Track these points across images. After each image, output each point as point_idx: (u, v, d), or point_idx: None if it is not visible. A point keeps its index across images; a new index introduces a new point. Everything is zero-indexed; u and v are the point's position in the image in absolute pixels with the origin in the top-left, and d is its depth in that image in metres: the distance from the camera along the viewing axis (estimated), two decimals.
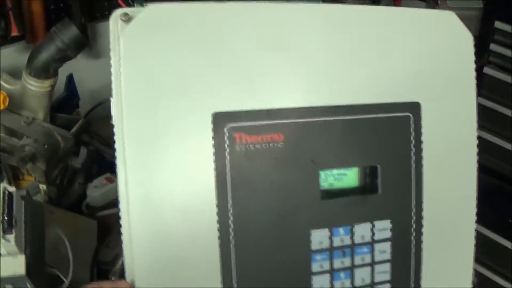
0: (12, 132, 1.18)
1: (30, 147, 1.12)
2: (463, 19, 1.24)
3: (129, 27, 0.68)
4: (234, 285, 0.72)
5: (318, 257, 0.76)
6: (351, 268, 0.78)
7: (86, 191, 1.22)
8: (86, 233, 1.08)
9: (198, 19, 0.71)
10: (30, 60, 1.15)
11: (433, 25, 0.82)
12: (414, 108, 0.80)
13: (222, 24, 0.72)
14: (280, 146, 0.73)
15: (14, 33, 1.43)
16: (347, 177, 0.79)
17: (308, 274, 0.76)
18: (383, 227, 0.79)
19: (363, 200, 0.79)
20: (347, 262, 0.78)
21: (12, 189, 0.83)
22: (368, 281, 0.79)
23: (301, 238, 0.75)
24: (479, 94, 1.34)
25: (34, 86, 1.16)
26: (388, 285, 0.80)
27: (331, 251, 0.76)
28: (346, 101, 0.76)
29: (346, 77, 0.77)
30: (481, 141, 1.23)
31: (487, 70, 1.34)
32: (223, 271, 0.71)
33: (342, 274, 0.77)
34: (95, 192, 1.20)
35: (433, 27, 0.82)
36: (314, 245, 0.75)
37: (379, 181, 0.78)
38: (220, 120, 0.70)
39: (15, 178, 1.22)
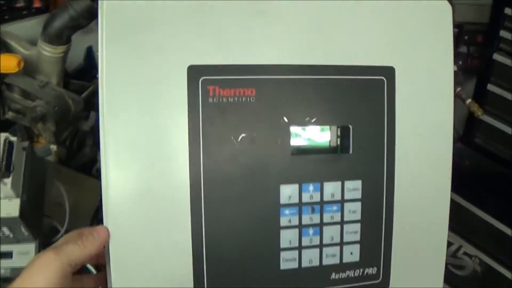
0: (26, 95, 1.22)
1: (41, 108, 1.16)
2: (475, 6, 1.26)
3: None
4: (203, 234, 0.74)
5: (287, 211, 0.77)
6: (320, 225, 0.79)
7: (97, 156, 1.27)
8: (90, 193, 1.13)
9: None
10: (45, 27, 1.19)
11: None
12: (388, 72, 0.81)
13: None
14: (252, 101, 0.75)
15: (36, 4, 1.49)
16: (319, 135, 0.80)
17: (276, 228, 0.77)
18: (354, 187, 0.80)
19: (334, 159, 0.80)
20: (316, 218, 0.79)
21: (13, 138, 0.88)
22: (337, 239, 0.80)
23: (271, 192, 0.77)
24: (489, 81, 1.35)
25: (48, 52, 1.21)
26: (357, 245, 0.82)
27: (300, 206, 0.78)
28: (320, 62, 0.78)
29: (321, 39, 0.78)
30: (491, 128, 1.24)
31: (496, 56, 1.34)
32: (192, 221, 0.73)
33: (310, 230, 0.79)
34: None
35: None
36: (283, 199, 0.77)
37: (350, 141, 0.80)
38: (194, 72, 0.72)
39: (30, 140, 1.27)
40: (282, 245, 0.78)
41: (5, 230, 0.88)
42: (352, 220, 0.81)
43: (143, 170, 0.72)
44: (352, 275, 0.82)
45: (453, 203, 1.29)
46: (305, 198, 0.78)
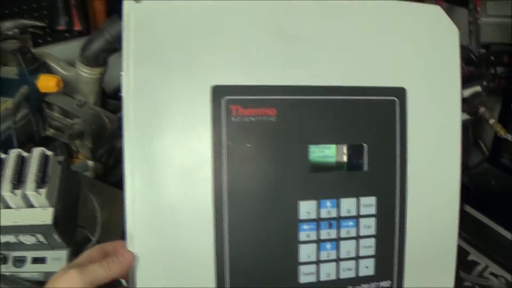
0: (65, 113, 1.28)
1: (79, 126, 1.23)
2: (502, 26, 1.28)
3: (141, 3, 0.74)
4: (226, 249, 0.76)
5: (305, 226, 0.79)
6: (337, 240, 0.81)
7: None
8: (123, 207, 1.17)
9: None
10: (83, 50, 1.26)
11: (420, 17, 0.86)
12: (400, 92, 0.83)
13: (225, 5, 0.77)
14: (272, 120, 0.77)
15: (77, 27, 1.57)
16: (336, 153, 0.83)
17: (295, 243, 0.79)
18: (369, 203, 0.82)
19: (349, 176, 0.82)
20: (333, 233, 0.81)
21: (49, 153, 0.93)
22: (353, 254, 0.82)
23: (290, 208, 0.79)
24: None
25: (86, 73, 1.28)
26: (372, 259, 0.84)
27: (318, 222, 0.80)
28: (337, 83, 0.81)
29: (338, 61, 0.81)
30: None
31: None
32: (216, 235, 0.76)
33: (328, 245, 0.81)
34: None
35: (420, 19, 0.86)
36: (302, 215, 0.79)
37: (365, 159, 0.82)
38: (218, 92, 0.75)
39: (69, 156, 1.34)
40: (301, 259, 0.80)
41: (40, 237, 0.92)
42: (367, 235, 0.83)
43: (168, 186, 0.74)
44: None
45: (479, 223, 1.32)
46: (323, 213, 0.81)
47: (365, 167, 0.82)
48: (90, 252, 0.76)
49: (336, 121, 0.81)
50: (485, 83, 1.36)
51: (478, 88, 1.34)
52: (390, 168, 0.83)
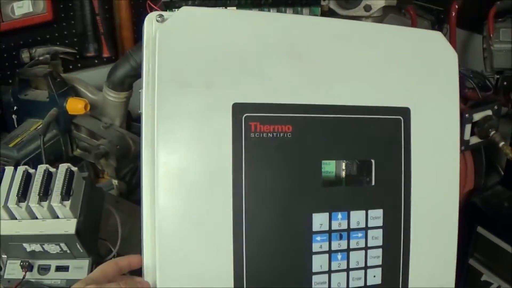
0: (92, 134, 1.31)
1: (105, 146, 1.26)
2: None
3: (165, 24, 0.77)
4: (244, 255, 0.79)
5: (318, 238, 0.82)
6: (347, 251, 0.84)
7: None
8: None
9: (225, 22, 0.80)
10: (109, 75, 1.29)
11: (423, 42, 0.91)
12: (405, 112, 0.88)
13: (245, 28, 0.80)
14: (288, 136, 0.80)
15: (106, 54, 1.61)
16: (346, 168, 0.86)
17: (309, 253, 0.82)
18: (376, 215, 0.86)
19: (359, 190, 0.86)
20: (343, 244, 0.84)
21: (74, 169, 0.97)
22: (362, 264, 0.85)
23: (304, 220, 0.82)
24: None
25: (112, 97, 1.31)
26: (379, 269, 0.86)
27: (329, 233, 0.83)
28: (347, 102, 0.84)
29: (348, 82, 0.85)
30: None
31: None
32: (234, 243, 0.78)
33: (339, 255, 0.83)
34: None
35: (422, 44, 0.91)
36: (315, 227, 0.82)
37: (373, 174, 0.85)
38: (238, 109, 0.78)
39: (96, 176, 1.37)
40: (314, 269, 0.83)
41: (63, 246, 0.95)
42: (374, 245, 0.86)
43: (190, 198, 0.77)
44: None
45: (492, 244, 1.32)
46: (334, 225, 0.83)
47: (373, 181, 0.85)
48: (104, 266, 0.78)
49: (347, 138, 0.84)
50: (496, 107, 1.37)
51: (489, 112, 1.35)
52: (395, 182, 0.87)
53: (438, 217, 0.91)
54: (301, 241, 0.82)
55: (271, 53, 0.81)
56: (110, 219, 1.10)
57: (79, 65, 1.58)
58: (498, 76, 1.46)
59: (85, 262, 0.99)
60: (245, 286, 0.79)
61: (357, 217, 0.85)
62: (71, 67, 1.56)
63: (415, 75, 0.89)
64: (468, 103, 1.39)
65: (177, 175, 0.76)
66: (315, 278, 0.83)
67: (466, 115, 1.31)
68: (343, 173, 0.88)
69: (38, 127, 1.27)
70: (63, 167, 0.99)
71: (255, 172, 0.79)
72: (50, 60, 1.40)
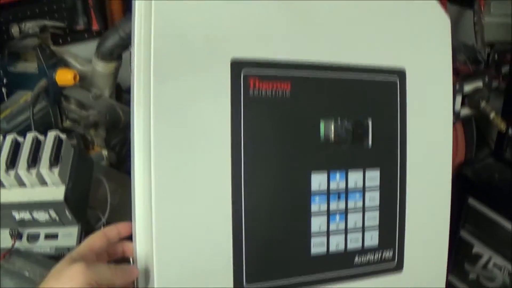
0: (81, 105, 1.28)
1: (94, 117, 1.24)
2: (505, 25, 1.26)
3: None
4: (243, 216, 0.74)
5: (317, 198, 0.78)
6: (345, 212, 0.81)
7: None
8: None
9: None
10: (98, 46, 1.25)
11: (419, 7, 0.87)
12: (401, 73, 0.84)
13: None
14: (287, 95, 0.76)
15: (95, 27, 1.56)
16: (344, 127, 0.81)
17: (307, 215, 0.78)
18: (373, 176, 0.82)
19: (356, 150, 0.82)
20: (342, 205, 0.80)
21: (63, 136, 0.93)
22: (359, 225, 0.82)
23: (303, 179, 0.78)
24: None
25: (101, 68, 1.27)
26: (377, 230, 0.83)
27: (328, 194, 0.79)
28: (346, 61, 0.80)
29: (347, 40, 0.81)
30: None
31: None
32: (233, 204, 0.74)
33: (337, 217, 0.80)
34: None
35: (418, 9, 0.87)
36: (314, 186, 0.78)
37: (370, 134, 0.82)
38: (237, 66, 0.73)
39: (86, 148, 1.32)
40: (313, 231, 0.79)
41: (52, 213, 0.92)
42: (372, 206, 0.83)
43: (187, 159, 0.72)
44: (372, 258, 0.84)
45: (483, 216, 1.29)
46: (333, 186, 0.80)
47: (370, 141, 0.82)
48: (92, 239, 0.74)
49: (345, 98, 0.81)
50: (487, 79, 1.35)
51: (479, 83, 1.33)
52: (392, 143, 0.84)
53: (432, 181, 0.89)
54: (300, 202, 0.78)
55: (271, 8, 0.76)
56: (100, 188, 1.08)
57: (68, 39, 1.54)
58: (489, 50, 1.43)
59: (74, 230, 0.96)
60: (243, 247, 0.75)
61: (355, 178, 0.81)
62: (61, 41, 1.52)
63: (411, 38, 0.86)
64: (459, 76, 1.36)
65: (173, 136, 0.71)
66: (313, 240, 0.79)
67: (457, 85, 1.29)
68: (341, 133, 0.82)
69: (28, 99, 1.23)
70: (52, 134, 0.97)
71: (254, 131, 0.75)
72: (40, 33, 1.36)
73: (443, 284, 0.92)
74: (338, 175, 0.80)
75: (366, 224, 0.83)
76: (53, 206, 0.92)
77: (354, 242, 0.82)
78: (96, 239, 0.74)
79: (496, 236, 1.33)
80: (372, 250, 0.83)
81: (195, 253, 0.73)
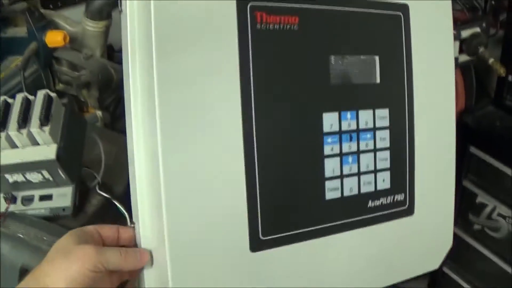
0: (73, 67, 1.22)
1: (86, 77, 1.19)
2: None
3: None
4: (255, 161, 0.68)
5: (329, 139, 0.73)
6: (357, 153, 0.76)
7: None
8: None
9: None
10: (87, 5, 1.20)
11: None
12: (404, 8, 0.79)
13: None
14: (295, 29, 0.70)
15: None
16: (353, 64, 0.76)
17: (321, 157, 0.73)
18: (383, 115, 0.78)
19: (365, 88, 0.77)
20: (354, 147, 0.75)
21: (53, 94, 0.90)
22: (371, 167, 0.77)
23: (314, 121, 0.72)
24: None
25: (91, 27, 1.21)
26: (388, 172, 0.79)
27: (340, 134, 0.74)
28: None
29: None
30: None
31: None
32: (245, 149, 0.67)
33: (350, 158, 0.75)
34: None
35: None
36: (326, 127, 0.73)
37: (377, 70, 0.77)
38: None
39: (80, 109, 1.28)
40: (327, 174, 0.74)
41: (45, 173, 0.88)
42: (382, 147, 0.78)
43: (194, 102, 0.65)
44: (385, 202, 0.79)
45: (485, 164, 1.25)
46: (344, 126, 0.75)
47: (378, 79, 0.77)
48: (103, 226, 0.70)
49: (351, 33, 0.76)
50: (484, 25, 1.30)
51: (477, 29, 1.29)
52: (399, 81, 0.79)
53: (438, 122, 0.85)
54: (312, 144, 0.72)
55: None
56: (94, 148, 1.02)
57: (58, 3, 1.48)
58: None
59: (68, 190, 0.91)
60: (257, 198, 0.69)
61: (365, 117, 0.76)
62: (51, 6, 1.45)
63: None
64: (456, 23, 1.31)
65: (179, 79, 0.64)
66: (328, 184, 0.73)
67: (454, 31, 1.23)
68: (350, 70, 0.77)
69: (19, 63, 1.17)
70: (41, 93, 0.91)
71: (263, 68, 0.68)
72: None
73: (451, 228, 0.90)
74: (349, 115, 0.75)
75: (378, 166, 0.78)
76: (46, 166, 0.87)
77: (367, 185, 0.77)
78: (107, 227, 0.70)
79: (500, 185, 1.29)
80: (384, 193, 0.79)
81: (209, 211, 0.66)
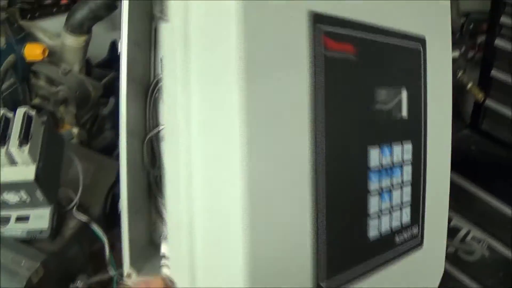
0: (51, 81, 1.21)
1: (63, 93, 1.18)
2: None
3: None
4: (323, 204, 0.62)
5: (373, 175, 0.70)
6: (391, 189, 0.73)
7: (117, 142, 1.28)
8: (107, 170, 1.10)
9: None
10: (68, 18, 1.20)
11: None
12: (422, 41, 0.79)
13: None
14: (353, 58, 0.66)
15: (64, 1, 1.51)
16: (390, 96, 0.75)
17: (365, 193, 0.69)
18: (408, 149, 0.76)
19: (397, 120, 0.75)
20: (388, 182, 0.73)
21: (32, 112, 0.88)
22: (399, 202, 0.75)
23: (362, 155, 0.68)
24: (493, 67, 1.32)
25: (71, 41, 1.21)
26: (409, 206, 0.77)
27: (380, 169, 0.71)
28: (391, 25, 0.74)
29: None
30: (496, 114, 1.21)
31: (498, 42, 1.30)
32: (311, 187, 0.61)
33: (386, 194, 0.72)
34: None
35: None
36: (371, 162, 0.69)
37: (405, 103, 0.76)
38: (315, 20, 0.62)
39: (55, 125, 1.27)
40: (371, 211, 0.70)
41: (23, 194, 0.87)
42: (407, 182, 0.76)
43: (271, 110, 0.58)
44: (406, 236, 0.77)
45: (460, 188, 1.28)
46: (384, 161, 0.72)
47: (405, 113, 0.76)
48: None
49: (392, 65, 0.75)
50: (463, 48, 1.31)
51: (456, 53, 1.30)
52: (419, 114, 0.79)
53: (441, 152, 0.86)
54: (360, 180, 0.68)
55: None
56: (71, 167, 1.01)
57: (37, 14, 1.47)
58: (464, 20, 1.42)
59: (45, 212, 0.90)
60: (319, 240, 0.62)
61: (396, 151, 0.74)
62: (29, 16, 1.45)
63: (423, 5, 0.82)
64: None
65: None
66: (371, 221, 0.70)
67: None
68: (389, 103, 0.75)
69: None
70: (21, 111, 0.91)
71: (330, 94, 0.63)
72: (7, 8, 1.30)
73: (444, 253, 0.91)
74: (386, 149, 0.72)
75: (404, 200, 0.76)
76: (24, 187, 0.86)
77: (396, 221, 0.74)
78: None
79: (475, 208, 1.32)
80: (406, 227, 0.77)
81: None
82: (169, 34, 0.60)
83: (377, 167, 0.69)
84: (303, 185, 0.60)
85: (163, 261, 0.74)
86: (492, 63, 1.27)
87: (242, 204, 0.54)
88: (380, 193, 0.70)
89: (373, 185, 0.69)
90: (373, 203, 0.69)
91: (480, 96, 1.21)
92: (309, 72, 0.60)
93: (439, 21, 0.83)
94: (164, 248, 0.77)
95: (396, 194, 0.73)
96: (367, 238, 0.69)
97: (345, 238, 0.66)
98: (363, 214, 0.68)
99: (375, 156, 0.69)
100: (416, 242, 0.79)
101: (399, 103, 0.75)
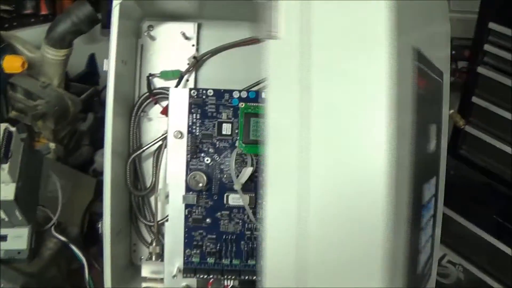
0: (29, 95, 1.19)
1: (42, 107, 1.16)
2: (463, 21, 1.27)
3: None
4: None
5: (425, 211, 0.69)
6: (429, 223, 0.74)
7: (94, 157, 1.28)
8: (85, 188, 1.13)
9: None
10: (49, 31, 1.18)
11: None
12: (442, 75, 0.81)
13: None
14: (422, 92, 0.65)
15: (43, 12, 1.51)
16: (432, 132, 0.75)
17: (418, 229, 0.67)
18: (433, 183, 0.76)
19: (434, 156, 0.76)
20: (428, 216, 0.73)
21: (12, 129, 0.88)
22: (428, 237, 0.75)
23: (418, 191, 0.65)
24: (474, 93, 1.35)
25: (51, 55, 1.19)
26: (430, 239, 0.77)
27: (424, 206, 0.70)
28: None
29: None
30: (475, 140, 1.24)
31: (481, 70, 1.33)
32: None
33: (427, 229, 0.73)
34: (101, 158, 1.25)
35: None
36: (423, 199, 0.68)
37: (434, 138, 0.76)
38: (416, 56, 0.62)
39: (31, 139, 1.27)
40: (420, 246, 0.69)
41: (1, 213, 0.86)
42: (431, 215, 0.77)
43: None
44: (427, 268, 0.78)
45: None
46: (426, 197, 0.71)
47: (435, 147, 0.76)
48: None
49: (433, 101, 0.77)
50: None
51: None
52: (439, 148, 0.80)
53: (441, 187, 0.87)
54: (415, 216, 0.64)
55: None
56: (48, 185, 1.01)
57: (15, 23, 1.47)
58: None
59: (24, 231, 0.90)
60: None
61: (430, 186, 0.73)
62: (6, 25, 1.45)
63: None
64: None
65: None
66: (420, 256, 0.69)
67: None
68: (433, 139, 0.76)
69: None
70: (1, 127, 0.89)
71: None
72: None
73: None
74: (429, 185, 0.73)
75: (428, 234, 0.76)
76: (3, 206, 0.85)
77: (425, 255, 0.74)
78: None
79: (451, 233, 1.33)
80: (428, 260, 0.77)
81: None
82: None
83: (425, 203, 0.70)
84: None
85: (143, 284, 0.75)
86: (473, 90, 1.28)
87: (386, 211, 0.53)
88: (426, 228, 0.71)
89: (423, 221, 0.69)
90: (423, 238, 0.70)
91: (462, 123, 1.23)
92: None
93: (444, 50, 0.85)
94: (145, 271, 0.78)
95: (426, 229, 0.74)
96: (416, 272, 0.68)
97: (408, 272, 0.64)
98: (417, 250, 0.68)
99: (426, 193, 0.70)
100: (428, 272, 0.81)
101: (433, 137, 0.75)
